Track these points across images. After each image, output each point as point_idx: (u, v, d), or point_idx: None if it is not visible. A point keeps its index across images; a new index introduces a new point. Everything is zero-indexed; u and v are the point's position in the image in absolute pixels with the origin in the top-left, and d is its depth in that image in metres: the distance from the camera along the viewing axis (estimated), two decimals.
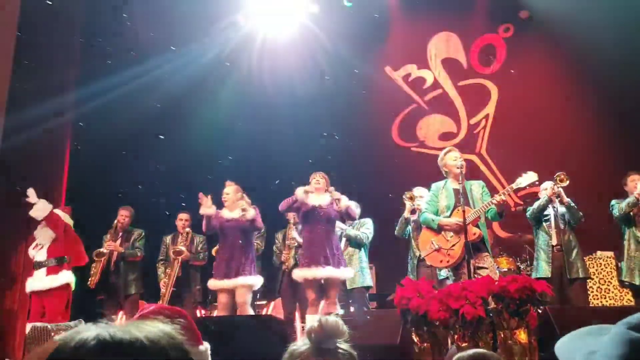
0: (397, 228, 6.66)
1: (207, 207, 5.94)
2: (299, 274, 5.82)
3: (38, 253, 6.68)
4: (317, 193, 5.85)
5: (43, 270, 6.60)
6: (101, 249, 6.97)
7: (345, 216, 5.90)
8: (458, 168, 5.22)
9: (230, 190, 6.06)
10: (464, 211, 4.98)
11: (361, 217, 6.73)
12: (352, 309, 6.43)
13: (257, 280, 5.97)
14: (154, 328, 0.84)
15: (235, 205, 5.99)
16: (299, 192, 5.79)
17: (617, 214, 6.04)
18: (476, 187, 5.36)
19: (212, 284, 5.96)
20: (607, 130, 8.11)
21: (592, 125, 8.27)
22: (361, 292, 6.53)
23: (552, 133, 8.38)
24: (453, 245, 5.14)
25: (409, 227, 6.62)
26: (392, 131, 9.63)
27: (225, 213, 6.00)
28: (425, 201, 5.66)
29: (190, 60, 9.00)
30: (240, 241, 5.90)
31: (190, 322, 1.78)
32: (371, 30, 9.45)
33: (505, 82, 9.11)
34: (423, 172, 8.66)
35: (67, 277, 6.67)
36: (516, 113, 8.84)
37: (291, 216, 6.99)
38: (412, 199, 6.45)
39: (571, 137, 8.27)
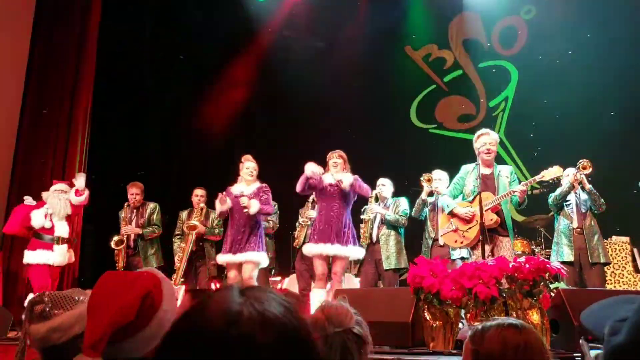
0: (414, 209, 6.64)
1: (224, 206, 5.94)
2: (307, 249, 5.85)
3: (58, 228, 6.67)
4: (334, 172, 5.85)
5: (65, 246, 6.70)
6: (119, 237, 6.96)
7: (359, 191, 5.84)
8: (486, 154, 5.27)
9: (255, 166, 6.08)
10: (479, 199, 5.06)
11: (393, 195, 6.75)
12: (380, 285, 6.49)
13: (262, 257, 5.97)
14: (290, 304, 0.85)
15: (252, 182, 6.03)
16: (307, 168, 5.73)
17: None
18: (505, 173, 5.37)
19: (220, 258, 6.02)
20: (628, 116, 8.00)
21: (612, 109, 8.16)
22: (393, 274, 6.45)
23: (571, 117, 8.29)
24: (470, 228, 5.21)
25: (426, 209, 6.62)
26: (410, 112, 9.58)
27: (236, 188, 6.03)
28: (452, 182, 5.64)
29: None
30: (248, 217, 5.92)
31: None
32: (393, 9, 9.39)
33: (525, 64, 9.00)
34: (441, 154, 8.66)
35: (72, 255, 6.90)
36: (536, 96, 8.74)
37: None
38: (429, 181, 6.45)
39: (591, 121, 8.17)
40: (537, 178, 5.24)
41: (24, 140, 8.46)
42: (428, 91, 9.58)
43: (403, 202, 6.66)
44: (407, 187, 7.17)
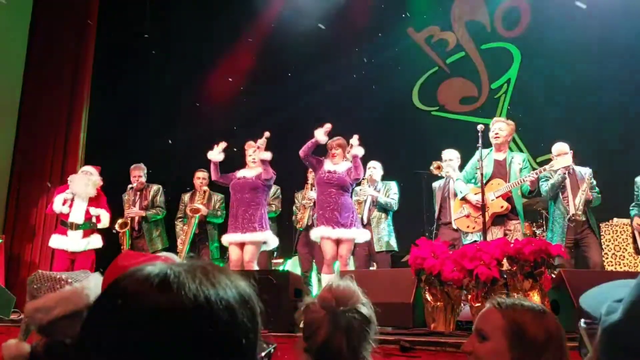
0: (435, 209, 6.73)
1: (214, 153, 6.02)
2: (314, 234, 5.89)
3: (74, 213, 6.64)
4: (334, 160, 5.88)
5: (80, 232, 6.64)
6: (123, 219, 6.97)
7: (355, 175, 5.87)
8: (494, 138, 5.56)
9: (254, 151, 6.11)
10: (481, 186, 5.19)
11: (383, 178, 6.81)
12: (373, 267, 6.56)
13: (267, 236, 5.97)
14: (228, 283, 0.80)
15: (255, 167, 6.05)
16: (319, 134, 5.82)
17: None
18: (517, 160, 5.58)
19: (225, 238, 6.05)
20: (631, 97, 7.96)
21: (615, 91, 8.10)
22: (384, 255, 6.58)
23: (573, 99, 8.25)
24: (481, 214, 5.36)
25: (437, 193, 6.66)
26: (412, 94, 9.54)
27: (240, 173, 6.07)
28: (467, 166, 5.84)
29: None
30: (249, 197, 5.93)
31: None
32: None
33: (528, 46, 8.94)
34: (443, 136, 8.64)
35: (99, 240, 6.76)
36: (538, 78, 8.69)
37: (310, 177, 7.05)
38: (439, 168, 6.46)
39: (593, 103, 8.13)
40: (547, 167, 5.37)
41: (24, 126, 8.45)
42: (430, 73, 9.53)
43: (393, 186, 6.77)
44: (414, 172, 7.21)
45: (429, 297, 4.05)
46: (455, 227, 6.08)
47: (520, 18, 9.11)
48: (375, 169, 6.73)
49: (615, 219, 6.95)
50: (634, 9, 7.98)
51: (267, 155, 5.99)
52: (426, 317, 4.08)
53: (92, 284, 1.99)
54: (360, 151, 5.82)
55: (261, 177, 5.98)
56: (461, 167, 6.33)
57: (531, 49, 8.89)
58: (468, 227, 5.66)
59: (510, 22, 9.15)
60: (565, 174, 5.74)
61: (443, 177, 6.57)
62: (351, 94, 9.19)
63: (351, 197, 5.99)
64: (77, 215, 6.65)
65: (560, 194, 5.85)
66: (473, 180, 5.64)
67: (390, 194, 6.68)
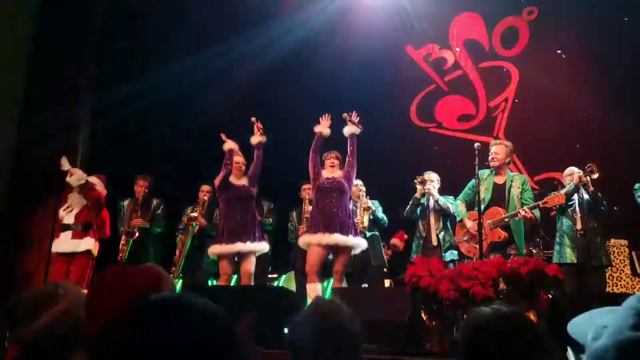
0: (407, 209, 6.62)
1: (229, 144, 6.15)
2: (304, 240, 5.75)
3: (67, 215, 6.72)
4: (331, 170, 5.88)
5: (69, 233, 6.64)
6: (130, 230, 6.96)
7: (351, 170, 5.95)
8: (491, 160, 5.62)
9: (243, 160, 6.24)
10: (479, 206, 5.24)
11: (373, 197, 6.83)
12: (365, 285, 6.55)
13: (262, 246, 6.03)
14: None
15: (243, 175, 6.19)
16: (322, 128, 6.04)
17: None
18: (516, 184, 5.60)
19: (214, 249, 5.99)
20: (629, 117, 7.99)
21: (613, 111, 8.13)
22: (376, 271, 6.69)
23: (572, 118, 8.28)
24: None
25: (418, 209, 6.63)
26: (410, 111, 9.56)
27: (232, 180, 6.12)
28: (467, 187, 5.89)
29: None
30: (245, 207, 5.98)
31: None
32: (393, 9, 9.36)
33: (526, 65, 8.99)
34: (440, 153, 8.67)
35: (89, 244, 6.63)
36: (536, 97, 8.73)
37: (305, 195, 7.04)
38: (422, 182, 6.47)
39: (591, 123, 8.15)
40: (540, 204, 5.42)
41: (25, 134, 8.42)
42: (428, 91, 9.56)
43: (377, 204, 6.84)
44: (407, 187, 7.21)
45: (424, 317, 4.03)
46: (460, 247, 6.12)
47: (518, 37, 9.16)
48: (362, 185, 6.75)
49: (612, 240, 6.94)
50: (633, 28, 8.04)
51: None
52: (421, 336, 4.05)
53: None
54: (355, 130, 5.97)
55: (253, 175, 6.11)
56: (443, 190, 6.40)
57: (529, 68, 8.93)
58: (469, 252, 5.76)
59: (509, 41, 9.20)
60: (577, 186, 5.82)
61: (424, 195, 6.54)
62: (349, 110, 9.18)
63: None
64: (69, 218, 6.71)
65: (567, 206, 5.91)
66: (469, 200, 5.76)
67: (380, 211, 6.76)
